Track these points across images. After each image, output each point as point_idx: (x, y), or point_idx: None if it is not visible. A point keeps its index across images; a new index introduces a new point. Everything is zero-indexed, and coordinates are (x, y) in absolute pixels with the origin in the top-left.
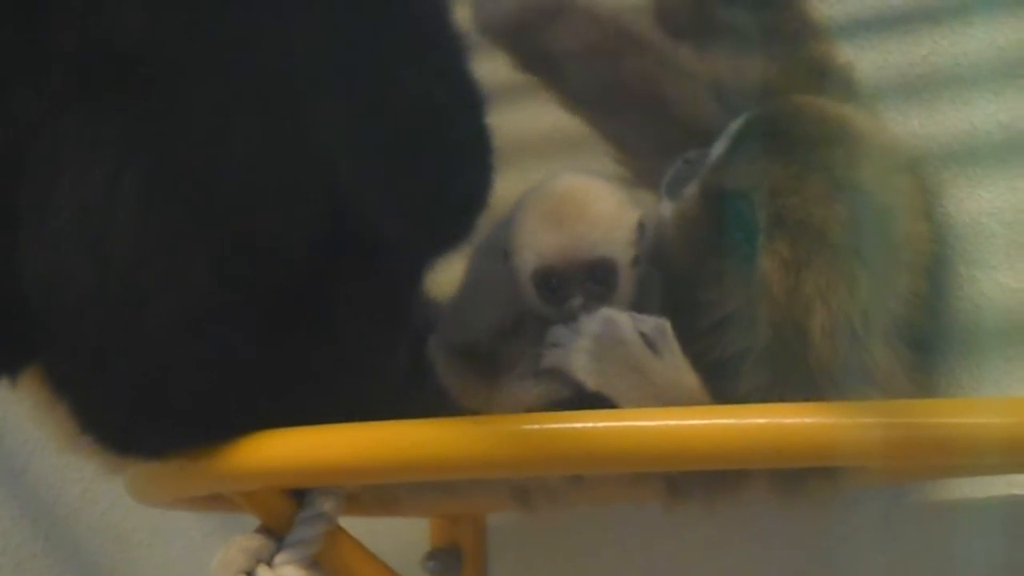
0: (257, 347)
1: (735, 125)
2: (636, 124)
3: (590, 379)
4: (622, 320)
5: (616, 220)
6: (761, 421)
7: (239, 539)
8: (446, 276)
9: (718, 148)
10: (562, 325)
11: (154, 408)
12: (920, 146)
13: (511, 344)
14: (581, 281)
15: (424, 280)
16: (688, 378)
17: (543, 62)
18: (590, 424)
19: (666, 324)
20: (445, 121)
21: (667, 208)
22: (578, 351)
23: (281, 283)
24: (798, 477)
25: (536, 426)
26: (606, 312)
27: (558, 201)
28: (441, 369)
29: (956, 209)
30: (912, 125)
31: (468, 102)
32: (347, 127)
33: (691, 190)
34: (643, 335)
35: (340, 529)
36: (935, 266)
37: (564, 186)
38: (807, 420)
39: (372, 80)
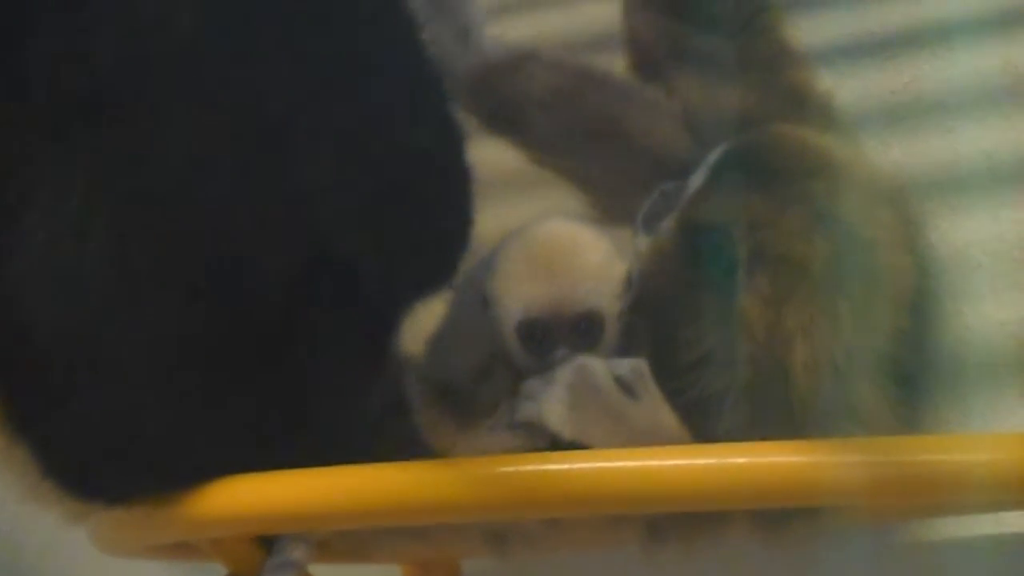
0: (228, 389)
1: (713, 156)
2: (605, 163)
3: (565, 430)
4: (595, 367)
5: (605, 272)
6: (742, 460)
7: None
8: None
9: (696, 180)
10: (536, 377)
11: (119, 451)
12: (902, 175)
13: (487, 387)
14: (566, 333)
15: (402, 323)
16: (667, 419)
17: (505, 115)
18: (566, 466)
19: (643, 365)
20: (425, 161)
21: (643, 243)
22: (552, 402)
23: (254, 324)
24: (781, 517)
25: (511, 468)
26: (579, 360)
27: (544, 250)
28: (416, 406)
29: (939, 240)
30: (894, 154)
31: (449, 141)
32: (325, 167)
33: (668, 224)
34: (619, 379)
35: None
36: (919, 299)
37: (550, 234)
38: (789, 459)
39: (351, 119)
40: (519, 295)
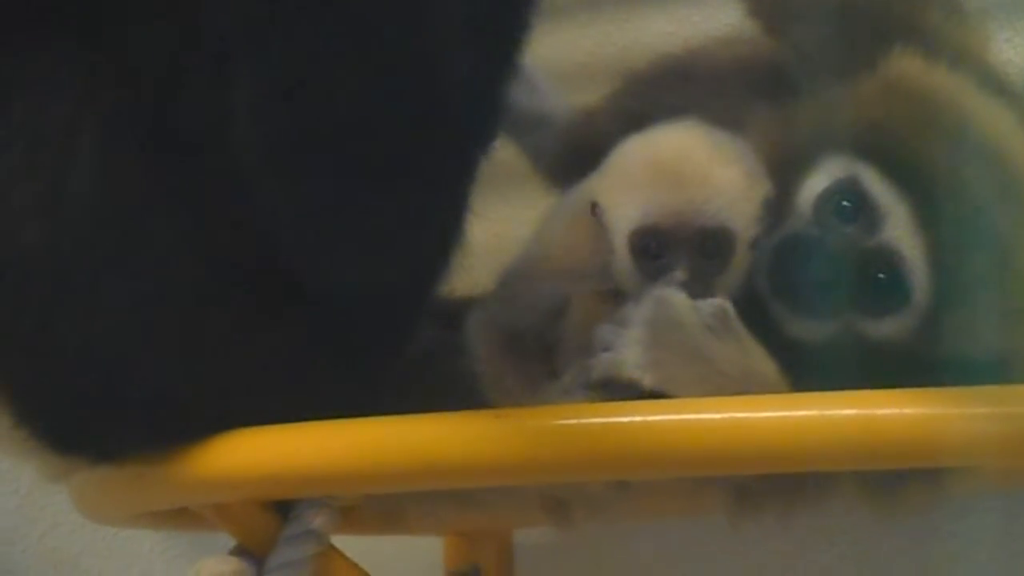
0: (235, 331)
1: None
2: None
3: (646, 375)
4: (677, 300)
5: (744, 190)
6: (850, 412)
7: (210, 563)
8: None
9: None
10: (610, 324)
11: (107, 398)
12: None
13: (562, 332)
14: (689, 251)
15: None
16: (764, 365)
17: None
18: (641, 418)
19: (727, 305)
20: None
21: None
22: (629, 343)
23: (265, 259)
24: (896, 480)
25: (575, 421)
26: (658, 292)
27: (675, 153)
28: (478, 354)
29: None
30: None
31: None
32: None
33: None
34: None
35: (333, 550)
36: None
37: (684, 140)
38: (907, 410)
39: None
40: (639, 198)
